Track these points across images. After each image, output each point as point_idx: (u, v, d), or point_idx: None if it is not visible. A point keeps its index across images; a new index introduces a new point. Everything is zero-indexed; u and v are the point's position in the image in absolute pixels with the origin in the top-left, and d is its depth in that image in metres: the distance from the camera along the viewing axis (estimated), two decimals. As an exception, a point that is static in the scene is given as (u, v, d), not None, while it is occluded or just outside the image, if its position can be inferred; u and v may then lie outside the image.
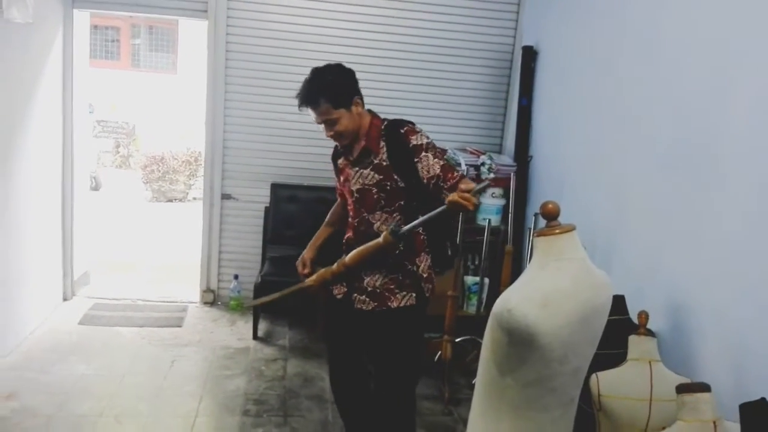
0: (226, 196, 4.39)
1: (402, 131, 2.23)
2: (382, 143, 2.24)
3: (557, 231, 1.66)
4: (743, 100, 2.13)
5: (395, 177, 2.22)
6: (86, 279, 4.68)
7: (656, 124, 2.63)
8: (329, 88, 2.20)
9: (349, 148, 2.32)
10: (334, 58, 4.21)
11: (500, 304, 1.61)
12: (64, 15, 4.01)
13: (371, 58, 4.16)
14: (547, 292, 1.57)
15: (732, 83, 2.18)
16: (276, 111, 4.29)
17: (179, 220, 7.59)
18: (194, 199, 8.68)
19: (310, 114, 2.26)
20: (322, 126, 2.26)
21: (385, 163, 2.24)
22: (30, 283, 3.77)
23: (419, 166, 2.19)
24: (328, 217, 2.60)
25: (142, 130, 11.25)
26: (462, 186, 1.97)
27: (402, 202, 2.26)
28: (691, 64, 2.43)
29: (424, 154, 2.19)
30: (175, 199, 8.99)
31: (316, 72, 2.25)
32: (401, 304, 2.30)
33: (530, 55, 4.02)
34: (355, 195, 2.31)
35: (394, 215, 2.26)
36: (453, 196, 1.93)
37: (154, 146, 9.78)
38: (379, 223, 2.27)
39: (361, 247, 2.22)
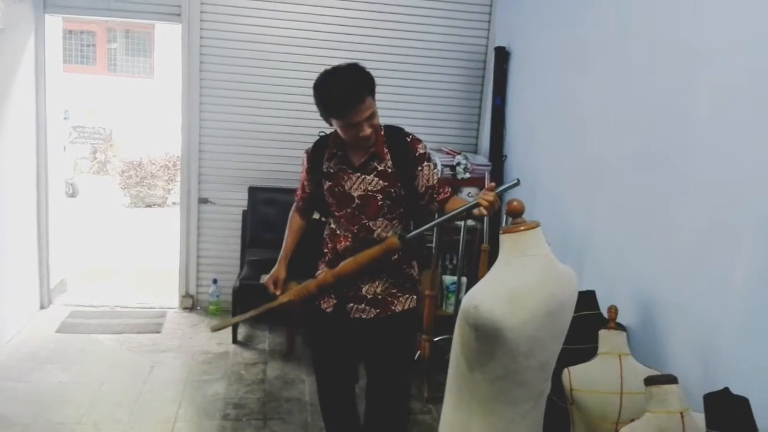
0: (203, 201, 4.38)
1: (408, 139, 2.25)
2: (386, 149, 2.23)
3: (522, 228, 1.69)
4: (706, 102, 2.18)
5: (398, 184, 2.22)
6: (63, 287, 4.64)
7: (625, 124, 2.68)
8: (366, 81, 2.09)
9: (344, 152, 2.23)
10: (307, 61, 4.26)
11: (467, 300, 1.64)
12: (36, 20, 3.98)
13: (345, 61, 4.16)
14: (513, 288, 1.61)
15: (696, 85, 2.23)
16: (251, 114, 4.30)
17: (158, 226, 7.54)
18: (173, 204, 8.63)
19: (336, 121, 2.11)
20: (356, 127, 2.08)
21: (390, 170, 2.21)
22: (6, 292, 3.73)
23: (420, 174, 2.22)
24: (290, 227, 2.46)
25: (119, 136, 11.16)
26: (490, 193, 1.99)
27: (401, 210, 2.27)
28: (659, 66, 2.47)
29: (426, 163, 2.24)
30: (154, 205, 8.93)
31: (341, 70, 2.11)
32: (405, 308, 2.30)
33: (502, 55, 4.07)
34: (356, 201, 2.23)
35: (394, 222, 2.25)
36: (482, 207, 1.98)
37: (132, 151, 9.72)
38: (379, 230, 2.23)
39: (359, 255, 2.17)
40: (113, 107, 11.28)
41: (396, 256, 2.23)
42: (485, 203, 1.98)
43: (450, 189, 2.29)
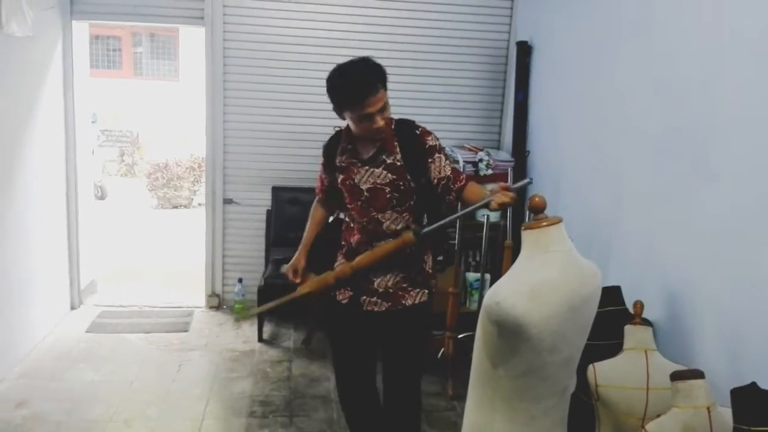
0: (228, 201, 4.43)
1: (417, 132, 2.26)
2: (396, 143, 2.24)
3: (544, 224, 1.69)
4: (733, 88, 2.14)
5: (408, 177, 2.23)
6: (93, 287, 4.73)
7: (650, 115, 2.65)
8: (379, 72, 2.12)
9: (354, 146, 2.28)
10: (329, 60, 4.23)
11: (489, 296, 1.64)
12: (63, 27, 4.06)
13: (367, 59, 4.19)
14: (535, 284, 1.61)
15: (723, 72, 2.19)
16: (274, 114, 4.34)
17: (184, 226, 7.65)
18: (199, 204, 8.74)
19: (349, 113, 2.14)
20: (369, 119, 2.11)
21: (399, 163, 2.23)
22: (37, 293, 3.82)
23: (432, 166, 2.23)
24: (311, 218, 2.52)
25: (146, 138, 11.32)
26: (501, 184, 2.05)
27: (411, 202, 2.28)
28: (683, 55, 2.44)
29: (437, 155, 2.24)
30: (180, 206, 9.06)
31: (353, 63, 2.14)
32: (416, 302, 2.32)
33: (525, 50, 4.04)
34: (365, 194, 2.27)
35: (404, 215, 2.27)
36: (500, 197, 2.00)
37: (159, 153, 9.86)
38: (388, 222, 2.26)
39: (376, 249, 2.23)
40: (140, 110, 11.46)
41: (408, 250, 2.26)
42: (495, 206, 2.02)
43: (465, 176, 2.27)
